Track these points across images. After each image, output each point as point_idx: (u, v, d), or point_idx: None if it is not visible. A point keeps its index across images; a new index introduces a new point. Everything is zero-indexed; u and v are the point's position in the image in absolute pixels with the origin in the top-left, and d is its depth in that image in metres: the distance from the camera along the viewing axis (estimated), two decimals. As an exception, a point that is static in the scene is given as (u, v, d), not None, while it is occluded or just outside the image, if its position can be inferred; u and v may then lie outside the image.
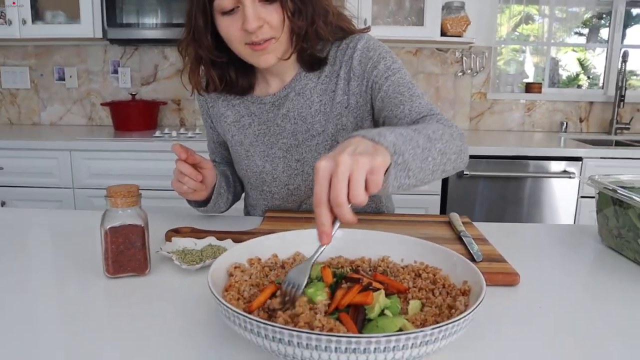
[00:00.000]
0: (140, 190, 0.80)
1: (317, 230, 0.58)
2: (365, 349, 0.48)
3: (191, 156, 1.01)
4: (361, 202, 0.58)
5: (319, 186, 0.58)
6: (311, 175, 1.14)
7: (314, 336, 0.48)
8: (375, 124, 1.12)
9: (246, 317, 0.50)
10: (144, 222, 0.83)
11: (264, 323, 0.49)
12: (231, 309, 0.52)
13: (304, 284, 0.60)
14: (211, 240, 0.94)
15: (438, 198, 2.45)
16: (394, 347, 0.48)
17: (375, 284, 0.65)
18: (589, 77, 3.25)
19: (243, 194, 1.33)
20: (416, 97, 1.01)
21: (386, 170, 0.65)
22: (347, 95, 1.08)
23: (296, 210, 1.23)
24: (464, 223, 1.07)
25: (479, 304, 0.55)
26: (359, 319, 0.58)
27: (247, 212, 1.34)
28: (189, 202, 1.14)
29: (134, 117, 2.82)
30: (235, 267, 0.70)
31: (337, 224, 0.59)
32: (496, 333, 0.67)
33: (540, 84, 3.09)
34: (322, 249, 0.62)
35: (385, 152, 0.64)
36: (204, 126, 1.27)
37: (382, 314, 0.59)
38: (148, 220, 0.84)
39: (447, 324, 0.50)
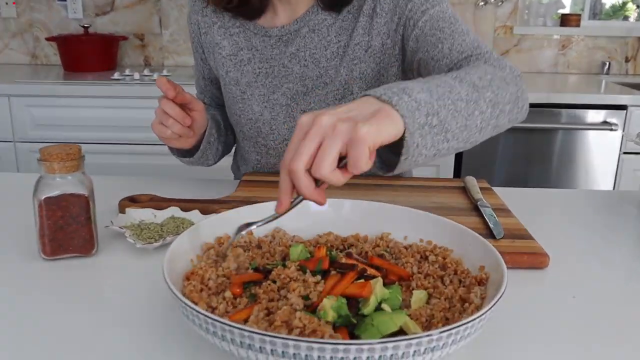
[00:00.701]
0: (93, 145, 0.76)
1: (277, 196, 0.60)
2: (355, 358, 0.46)
3: (180, 94, 0.97)
4: (324, 177, 0.56)
5: (290, 145, 0.58)
6: None
7: (291, 342, 0.46)
8: (405, 74, 1.10)
9: (208, 317, 0.49)
10: (89, 191, 0.80)
11: (229, 325, 0.48)
12: (189, 306, 0.50)
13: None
14: (174, 211, 0.94)
15: (451, 158, 2.42)
16: (392, 355, 0.47)
17: (371, 271, 0.64)
18: (638, 7, 3.17)
19: (234, 147, 1.33)
20: (459, 33, 0.98)
21: (402, 141, 0.62)
22: (369, 36, 1.06)
23: None
24: (482, 189, 1.08)
25: (500, 298, 0.53)
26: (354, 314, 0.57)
27: (237, 167, 1.34)
28: (171, 150, 1.13)
29: (88, 55, 2.77)
30: (201, 249, 0.70)
31: (299, 198, 0.61)
32: (519, 328, 0.66)
33: (579, 15, 3.02)
34: (271, 216, 0.64)
35: (395, 120, 0.60)
36: (193, 57, 1.25)
37: (379, 308, 0.58)
38: (93, 188, 0.81)
39: (458, 326, 0.48)
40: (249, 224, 0.69)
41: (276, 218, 0.64)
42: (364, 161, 0.56)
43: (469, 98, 0.70)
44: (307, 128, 0.57)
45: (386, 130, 0.59)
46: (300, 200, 0.61)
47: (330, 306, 0.56)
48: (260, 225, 0.67)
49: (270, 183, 1.14)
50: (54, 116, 2.41)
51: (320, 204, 0.59)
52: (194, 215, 0.93)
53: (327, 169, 0.56)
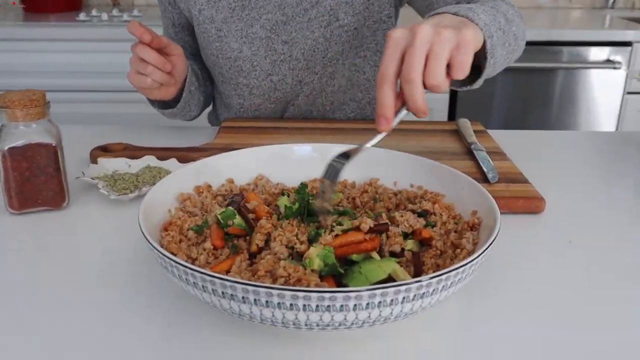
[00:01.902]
0: (59, 94, 0.76)
1: (377, 113, 0.60)
2: (342, 307, 0.47)
3: (157, 38, 0.94)
4: (438, 84, 0.60)
5: (388, 58, 0.60)
6: (301, 62, 1.12)
7: (275, 292, 0.47)
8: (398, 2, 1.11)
9: (188, 267, 0.49)
10: (56, 140, 0.80)
11: (210, 275, 0.48)
12: (167, 257, 0.51)
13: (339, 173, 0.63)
14: (150, 160, 0.93)
15: (445, 99, 2.42)
16: (380, 302, 0.48)
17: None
18: None
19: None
20: None
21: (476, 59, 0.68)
22: None
23: (280, 115, 1.21)
24: (476, 132, 1.08)
25: (492, 242, 0.54)
26: (341, 264, 0.58)
27: (215, 117, 1.33)
28: (151, 102, 1.10)
29: (50, -7, 2.69)
30: (179, 199, 0.70)
31: (403, 112, 0.61)
32: (513, 275, 0.67)
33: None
34: (379, 137, 0.63)
35: (477, 30, 0.68)
36: (159, 5, 1.21)
37: (367, 256, 0.59)
38: (61, 137, 0.81)
39: (449, 272, 0.49)
40: (345, 155, 0.64)
41: (380, 139, 0.63)
42: (468, 65, 0.62)
43: (504, 28, 0.77)
44: (406, 40, 0.60)
45: (478, 38, 0.68)
46: (403, 115, 0.62)
47: (316, 254, 0.57)
48: (368, 147, 0.64)
49: (252, 129, 1.13)
50: (14, 62, 2.36)
51: (426, 114, 0.61)
52: (171, 164, 0.92)
53: (443, 74, 0.60)
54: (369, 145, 0.63)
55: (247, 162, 0.77)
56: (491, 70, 0.75)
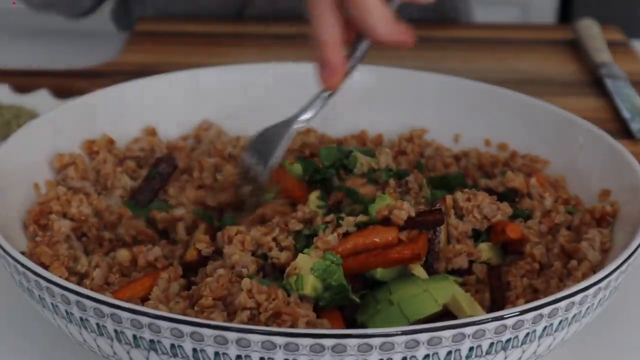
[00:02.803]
0: None
1: (316, 60, 0.51)
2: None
3: None
4: None
5: None
6: None
7: (231, 336, 0.37)
8: None
9: (65, 289, 0.40)
10: None
11: (110, 305, 0.39)
12: (20, 264, 0.43)
13: (274, 158, 0.56)
14: (2, 93, 0.82)
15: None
16: (429, 356, 0.38)
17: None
18: None
19: None
20: None
21: None
22: None
23: (234, 13, 1.07)
24: (610, 44, 0.91)
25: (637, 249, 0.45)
26: (356, 286, 0.49)
27: (124, 12, 1.14)
28: None
29: None
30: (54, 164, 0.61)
31: (361, 48, 0.53)
32: None
33: None
34: (321, 99, 0.54)
35: None
36: None
37: (404, 273, 0.50)
38: None
39: (555, 301, 0.39)
40: (276, 128, 0.57)
41: (326, 100, 0.54)
42: None
43: None
44: None
45: None
46: (355, 63, 0.53)
47: (309, 268, 0.48)
48: (304, 117, 0.55)
49: (186, 38, 0.98)
50: None
51: (407, 44, 0.51)
52: (40, 98, 0.81)
53: None
54: (304, 117, 0.54)
55: (179, 97, 0.67)
56: None
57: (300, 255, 0.48)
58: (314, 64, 0.51)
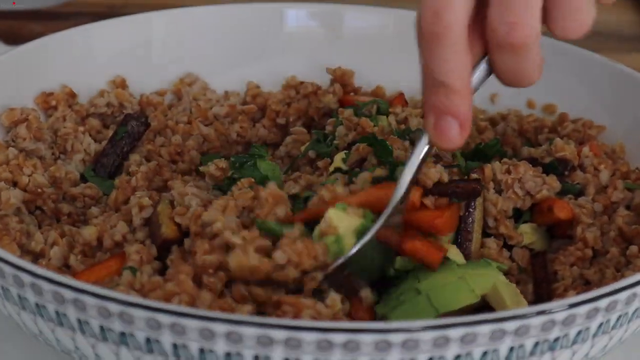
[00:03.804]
0: None
1: (434, 107, 0.41)
2: None
3: None
4: (578, 35, 0.42)
5: None
6: None
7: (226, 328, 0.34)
8: None
9: (19, 268, 0.37)
10: None
11: (75, 289, 0.36)
12: None
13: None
14: None
15: None
16: (461, 356, 0.35)
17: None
18: None
19: None
20: None
21: None
22: None
23: None
24: None
25: None
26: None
27: None
28: None
29: None
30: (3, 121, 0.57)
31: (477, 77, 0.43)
32: None
33: None
34: (422, 159, 0.44)
35: None
36: None
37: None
38: None
39: (611, 293, 0.36)
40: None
41: (423, 162, 0.44)
42: None
43: None
44: None
45: None
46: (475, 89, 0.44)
47: (347, 227, 0.43)
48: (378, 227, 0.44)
49: None
50: None
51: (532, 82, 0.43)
52: None
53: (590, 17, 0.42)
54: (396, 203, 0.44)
55: (156, 43, 0.63)
56: None
57: (331, 211, 0.42)
58: (428, 111, 0.41)
